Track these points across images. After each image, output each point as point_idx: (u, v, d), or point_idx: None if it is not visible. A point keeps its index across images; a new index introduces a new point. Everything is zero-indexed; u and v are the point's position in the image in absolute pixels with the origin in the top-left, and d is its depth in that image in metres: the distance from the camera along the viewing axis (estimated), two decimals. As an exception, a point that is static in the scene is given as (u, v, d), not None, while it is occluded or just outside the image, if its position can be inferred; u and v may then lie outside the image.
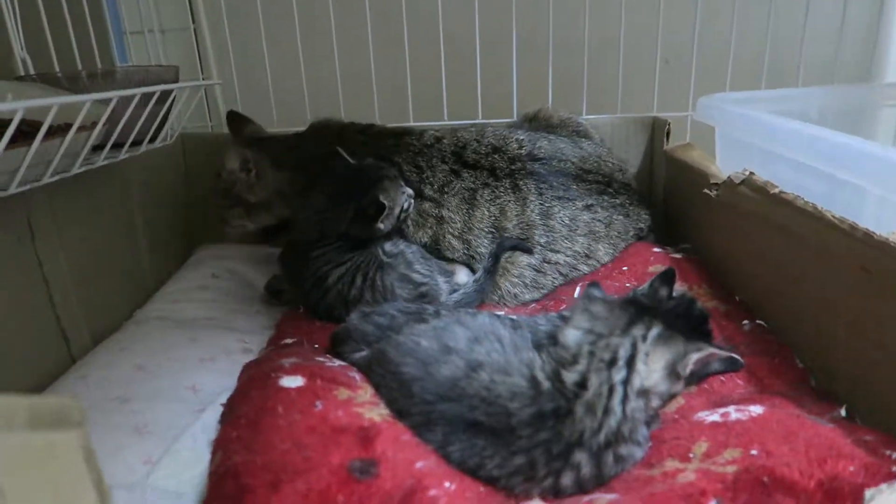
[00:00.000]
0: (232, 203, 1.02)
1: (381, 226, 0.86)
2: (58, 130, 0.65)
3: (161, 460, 0.60)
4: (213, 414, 0.67)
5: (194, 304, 0.97)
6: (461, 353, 0.56)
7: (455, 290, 0.87)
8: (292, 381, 0.57)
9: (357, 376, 0.62)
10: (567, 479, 0.51)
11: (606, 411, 0.52)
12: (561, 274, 0.92)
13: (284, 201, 1.02)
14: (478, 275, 0.88)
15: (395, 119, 1.17)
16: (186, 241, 1.19)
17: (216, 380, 0.74)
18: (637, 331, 0.56)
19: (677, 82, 1.14)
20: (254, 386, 0.59)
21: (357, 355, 0.66)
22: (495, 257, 0.88)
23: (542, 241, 0.91)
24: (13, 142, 0.53)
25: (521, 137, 0.97)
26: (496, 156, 0.95)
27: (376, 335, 0.68)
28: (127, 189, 0.99)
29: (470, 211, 0.92)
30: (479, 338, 0.58)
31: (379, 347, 0.62)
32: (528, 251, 0.90)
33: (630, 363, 0.54)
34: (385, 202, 0.84)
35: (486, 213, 0.92)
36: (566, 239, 0.92)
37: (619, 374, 0.53)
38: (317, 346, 0.76)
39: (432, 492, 0.48)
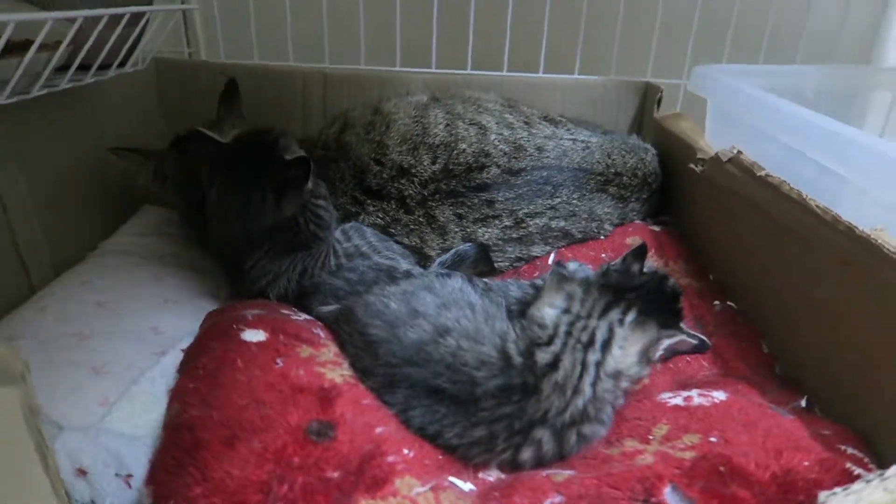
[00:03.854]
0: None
1: (310, 184, 0.70)
2: (17, 48, 0.61)
3: (118, 402, 0.59)
4: (174, 358, 0.65)
5: (162, 239, 0.94)
6: (429, 318, 0.55)
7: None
8: (254, 335, 0.56)
9: (322, 333, 0.61)
10: (526, 455, 0.51)
11: (576, 391, 0.52)
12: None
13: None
14: (443, 258, 0.80)
15: (382, 63, 1.13)
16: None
17: (179, 323, 0.72)
18: (614, 314, 0.55)
19: (675, 48, 1.11)
20: (214, 337, 0.57)
21: (324, 309, 0.65)
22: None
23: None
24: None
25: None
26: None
27: (345, 290, 0.66)
28: (97, 116, 0.94)
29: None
30: (447, 303, 0.57)
31: (347, 305, 0.60)
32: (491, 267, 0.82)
33: (606, 346, 0.53)
34: (304, 153, 0.68)
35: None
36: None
37: (593, 356, 0.53)
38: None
39: (390, 458, 0.47)
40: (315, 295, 0.67)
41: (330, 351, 0.57)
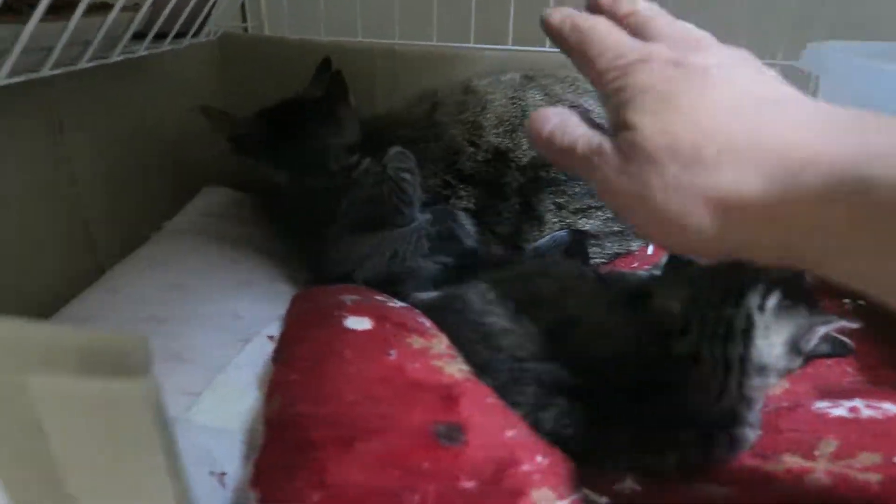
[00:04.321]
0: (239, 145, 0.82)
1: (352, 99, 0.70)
2: (94, 9, 0.57)
3: (203, 393, 0.54)
4: (259, 346, 0.60)
5: (228, 220, 0.90)
6: (553, 305, 0.49)
7: None
8: (359, 323, 0.51)
9: (426, 322, 0.55)
10: (670, 460, 0.45)
11: (721, 390, 0.45)
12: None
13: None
14: (539, 243, 0.74)
15: (455, 39, 1.07)
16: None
17: (259, 307, 0.67)
18: (752, 300, 0.48)
19: (766, 25, 1.03)
20: (313, 324, 0.52)
21: (423, 295, 0.59)
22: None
23: None
24: (51, 12, 0.44)
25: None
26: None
27: (443, 276, 0.61)
28: (158, 91, 0.90)
29: None
30: (569, 289, 0.51)
31: (455, 292, 0.54)
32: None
33: (747, 337, 0.47)
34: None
35: None
36: None
37: (735, 349, 0.46)
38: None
39: (525, 466, 0.41)
40: (409, 280, 0.62)
41: (441, 343, 0.51)
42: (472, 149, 0.75)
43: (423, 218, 0.69)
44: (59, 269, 0.69)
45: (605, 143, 0.35)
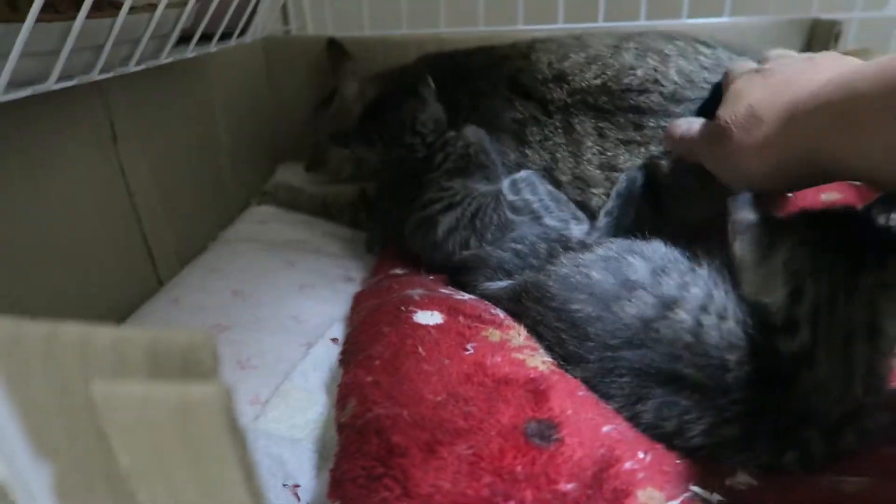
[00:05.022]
0: (336, 139, 0.87)
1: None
2: (138, 9, 0.55)
3: (271, 401, 0.52)
4: (324, 349, 0.58)
5: (284, 226, 0.88)
6: (648, 288, 0.44)
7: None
8: (429, 318, 0.47)
9: (500, 313, 0.51)
10: (790, 458, 0.40)
11: (844, 392, 0.39)
12: None
13: None
14: (608, 207, 0.68)
15: (503, 22, 1.03)
16: (270, 156, 1.09)
17: (320, 310, 0.65)
18: (868, 278, 0.42)
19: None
20: (380, 321, 0.48)
21: (494, 285, 0.55)
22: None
23: None
24: (96, 9, 0.43)
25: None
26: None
27: (515, 264, 0.56)
28: (208, 93, 0.89)
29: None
30: (664, 269, 0.45)
31: (533, 280, 0.50)
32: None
33: (874, 334, 0.40)
34: None
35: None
36: None
37: (861, 352, 0.40)
38: (432, 277, 0.65)
39: (627, 464, 0.37)
40: (479, 269, 0.57)
41: (520, 335, 0.47)
42: (539, 74, 0.74)
43: (506, 181, 0.67)
44: (120, 282, 0.68)
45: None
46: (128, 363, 0.24)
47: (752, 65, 0.56)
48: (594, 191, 0.68)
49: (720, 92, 0.57)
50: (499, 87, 0.76)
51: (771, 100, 0.48)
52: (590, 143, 0.69)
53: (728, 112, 0.50)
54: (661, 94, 0.69)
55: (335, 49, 1.00)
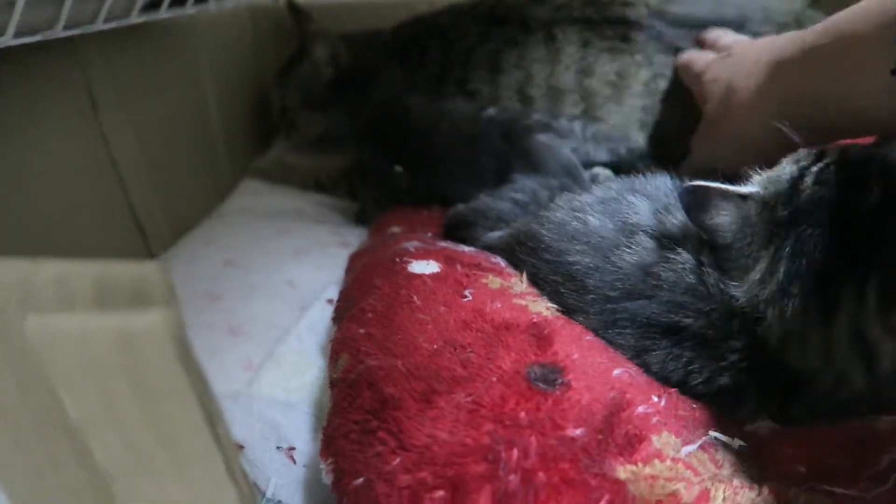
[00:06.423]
0: (304, 102, 0.87)
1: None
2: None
3: (264, 365, 0.50)
4: (319, 312, 0.55)
5: (279, 196, 0.86)
6: (650, 230, 0.41)
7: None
8: (424, 267, 0.44)
9: (501, 261, 0.48)
10: (797, 411, 0.37)
11: (844, 378, 0.36)
12: None
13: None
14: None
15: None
16: (266, 127, 1.06)
17: (315, 275, 0.62)
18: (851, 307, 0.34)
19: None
20: (374, 275, 0.46)
21: (494, 235, 0.52)
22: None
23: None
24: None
25: None
26: None
27: (515, 214, 0.53)
28: (193, 67, 0.86)
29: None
30: (667, 206, 0.42)
31: (525, 229, 0.47)
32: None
33: (868, 357, 0.34)
34: None
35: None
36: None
37: (858, 373, 0.35)
38: (430, 234, 0.63)
39: (641, 408, 0.34)
40: (478, 222, 0.55)
41: (521, 282, 0.44)
42: None
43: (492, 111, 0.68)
44: (108, 257, 0.66)
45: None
46: (74, 297, 0.21)
47: (709, 55, 0.60)
48: (566, 98, 0.69)
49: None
50: (469, 30, 0.75)
51: (749, 69, 0.52)
52: (571, 51, 0.70)
53: (713, 105, 0.56)
54: (646, 5, 0.70)
55: (296, 12, 0.96)
